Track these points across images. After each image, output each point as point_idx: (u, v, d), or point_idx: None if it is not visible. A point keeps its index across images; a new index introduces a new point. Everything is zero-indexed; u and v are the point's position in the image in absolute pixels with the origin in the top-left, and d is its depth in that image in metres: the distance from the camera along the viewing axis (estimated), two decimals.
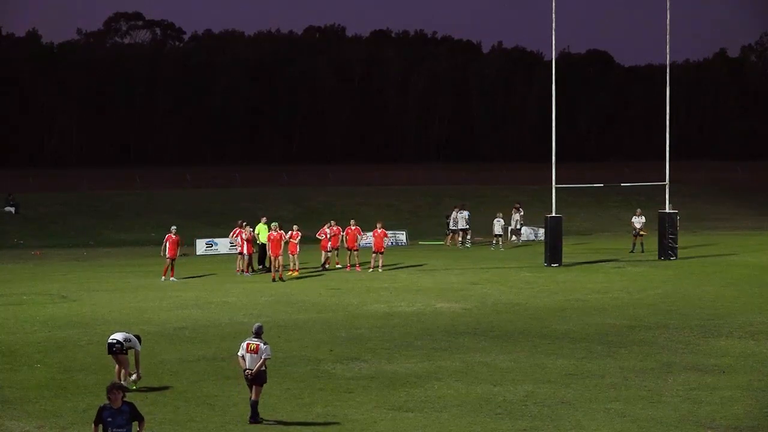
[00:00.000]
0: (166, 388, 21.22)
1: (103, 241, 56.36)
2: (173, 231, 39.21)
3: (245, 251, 40.28)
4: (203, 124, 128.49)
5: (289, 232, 40.06)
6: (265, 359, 18.63)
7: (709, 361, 23.50)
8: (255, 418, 18.53)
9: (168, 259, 38.59)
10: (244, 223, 40.99)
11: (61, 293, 34.84)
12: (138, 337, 21.47)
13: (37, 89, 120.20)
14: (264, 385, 18.73)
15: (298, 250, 40.05)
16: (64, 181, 79.64)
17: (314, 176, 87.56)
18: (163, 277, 38.45)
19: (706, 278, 38.63)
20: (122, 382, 20.88)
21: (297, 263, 40.18)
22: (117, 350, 20.89)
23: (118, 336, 21.08)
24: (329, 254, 42.37)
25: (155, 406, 19.70)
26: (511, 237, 54.13)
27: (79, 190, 71.93)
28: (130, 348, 21.06)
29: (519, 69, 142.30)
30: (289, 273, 39.80)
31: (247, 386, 18.83)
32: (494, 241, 51.30)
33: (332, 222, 43.21)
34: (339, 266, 42.42)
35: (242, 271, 40.38)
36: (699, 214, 67.04)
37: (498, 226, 51.43)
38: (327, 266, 42.22)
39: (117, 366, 21.03)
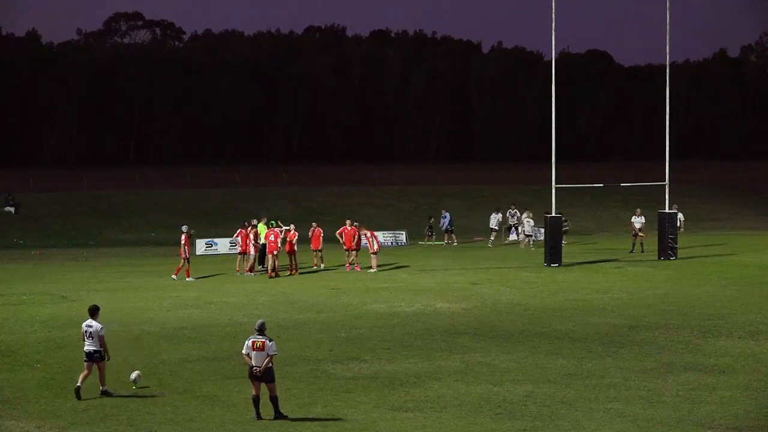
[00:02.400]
0: (166, 388, 21.23)
1: (103, 241, 56.37)
2: (185, 230, 39.08)
3: (248, 251, 40.14)
4: (203, 124, 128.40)
5: (284, 230, 40.00)
6: (272, 356, 18.70)
7: (709, 361, 23.50)
8: (279, 414, 18.78)
9: (184, 259, 38.51)
10: (247, 223, 40.91)
11: (61, 293, 34.84)
12: (95, 309, 20.84)
13: (37, 89, 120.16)
14: (275, 381, 18.90)
15: (296, 249, 40.03)
16: (64, 181, 79.62)
17: (314, 176, 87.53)
18: (175, 276, 38.31)
19: (706, 278, 38.62)
20: (100, 386, 20.62)
21: (296, 263, 40.17)
22: (97, 358, 20.70)
23: (93, 345, 20.57)
24: (353, 254, 41.63)
25: (155, 406, 19.73)
26: (506, 236, 54.28)
27: (79, 190, 71.92)
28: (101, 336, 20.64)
29: (519, 69, 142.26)
30: (289, 273, 39.80)
31: (251, 383, 18.87)
32: (522, 240, 51.58)
33: (314, 224, 42.90)
34: (315, 268, 41.82)
35: (242, 271, 40.29)
36: (699, 214, 67.01)
37: (528, 226, 51.59)
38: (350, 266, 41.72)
39: (99, 372, 20.67)
